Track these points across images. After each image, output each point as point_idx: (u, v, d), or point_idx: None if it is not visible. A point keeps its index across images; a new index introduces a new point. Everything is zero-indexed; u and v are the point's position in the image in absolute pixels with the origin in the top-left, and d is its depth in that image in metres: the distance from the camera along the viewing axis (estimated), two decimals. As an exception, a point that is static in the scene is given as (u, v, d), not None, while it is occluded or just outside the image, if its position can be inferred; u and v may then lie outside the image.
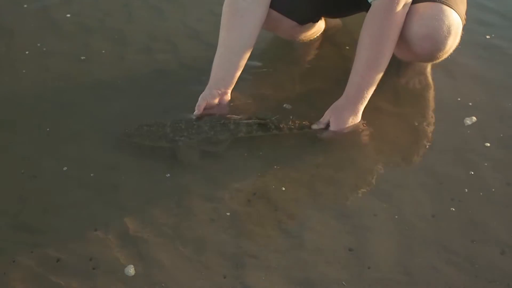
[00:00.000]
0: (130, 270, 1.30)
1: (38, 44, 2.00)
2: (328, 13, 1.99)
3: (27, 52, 1.96)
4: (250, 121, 1.62)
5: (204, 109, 1.64)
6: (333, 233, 1.40)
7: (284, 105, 1.69)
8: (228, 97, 1.69)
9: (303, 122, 1.66)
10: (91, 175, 1.53)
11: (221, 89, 1.67)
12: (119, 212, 1.43)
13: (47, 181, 1.51)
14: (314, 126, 1.64)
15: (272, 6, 1.74)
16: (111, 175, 1.53)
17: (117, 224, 1.40)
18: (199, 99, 1.65)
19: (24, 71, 1.88)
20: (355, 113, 1.62)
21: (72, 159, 1.57)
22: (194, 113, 1.63)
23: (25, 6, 2.20)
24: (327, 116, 1.64)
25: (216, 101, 1.67)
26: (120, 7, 2.23)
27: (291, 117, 1.67)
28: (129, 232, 1.38)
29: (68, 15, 2.16)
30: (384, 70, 1.60)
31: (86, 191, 1.49)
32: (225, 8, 1.70)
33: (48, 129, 1.66)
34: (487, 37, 2.07)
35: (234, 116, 1.63)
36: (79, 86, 1.83)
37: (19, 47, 1.99)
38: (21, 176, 1.52)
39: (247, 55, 1.69)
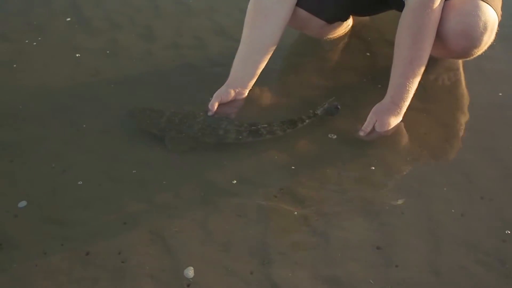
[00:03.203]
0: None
1: (68, 40, 2.03)
2: (356, 12, 1.98)
3: (57, 48, 2.00)
4: (241, 128, 1.59)
5: (218, 106, 1.64)
6: (360, 231, 1.39)
7: (317, 111, 1.68)
8: (244, 95, 1.69)
9: (294, 119, 1.62)
10: (120, 169, 1.55)
11: (238, 87, 1.68)
12: (147, 207, 1.44)
13: (76, 175, 1.53)
14: (361, 133, 1.61)
15: (300, 5, 1.73)
16: (139, 169, 1.54)
17: (146, 218, 1.41)
18: (214, 96, 1.66)
19: (55, 66, 1.91)
20: (399, 113, 1.61)
21: (101, 153, 1.59)
22: (208, 113, 1.64)
23: (56, 2, 2.24)
24: (372, 120, 1.61)
25: (231, 98, 1.67)
26: (148, 3, 2.25)
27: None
28: (157, 227, 1.40)
29: (98, 11, 2.19)
30: (425, 67, 1.58)
31: (115, 185, 1.50)
32: (250, 6, 1.70)
33: (77, 124, 1.68)
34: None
35: (228, 120, 1.62)
36: (108, 81, 1.85)
37: (50, 43, 2.02)
38: (52, 170, 1.54)
39: (269, 54, 1.69)
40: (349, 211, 1.44)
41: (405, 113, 1.64)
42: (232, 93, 1.67)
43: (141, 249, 1.35)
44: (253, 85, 1.73)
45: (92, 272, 1.30)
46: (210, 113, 1.64)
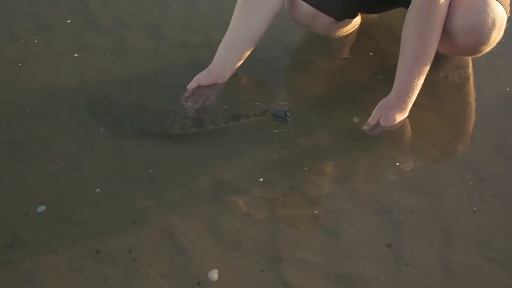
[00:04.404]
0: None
1: (77, 39, 2.03)
2: (365, 9, 1.97)
3: (65, 47, 2.00)
4: (186, 118, 1.62)
5: (196, 88, 1.70)
6: (371, 229, 1.38)
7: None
8: (224, 80, 1.73)
9: (239, 113, 1.62)
10: (129, 168, 1.55)
11: (218, 72, 1.72)
12: (157, 205, 1.44)
13: (86, 173, 1.53)
14: (365, 127, 1.62)
15: (308, 1, 1.73)
16: (149, 168, 1.54)
17: (155, 216, 1.41)
18: (193, 79, 1.71)
19: (63, 65, 1.91)
20: (404, 109, 1.60)
21: (110, 152, 1.59)
22: (185, 94, 1.70)
23: (64, 1, 2.24)
24: (376, 115, 1.61)
25: (210, 82, 1.72)
26: (156, 2, 2.25)
27: (226, 107, 1.67)
28: (167, 225, 1.39)
29: (105, 10, 2.19)
30: (431, 63, 1.57)
31: (125, 184, 1.50)
32: None
33: (86, 123, 1.68)
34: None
35: (177, 111, 1.65)
36: (116, 80, 1.85)
37: (58, 42, 2.02)
38: (61, 168, 1.54)
39: (254, 44, 1.73)
40: (359, 209, 1.43)
41: (414, 110, 1.63)
42: (212, 77, 1.72)
43: (152, 248, 1.34)
44: (263, 84, 1.73)
45: (103, 270, 1.30)
46: (186, 94, 1.70)
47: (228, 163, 1.56)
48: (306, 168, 1.54)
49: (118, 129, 1.63)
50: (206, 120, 1.61)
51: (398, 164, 1.56)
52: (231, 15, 2.11)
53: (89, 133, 1.65)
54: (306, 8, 1.75)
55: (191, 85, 1.71)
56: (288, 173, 1.53)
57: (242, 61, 1.74)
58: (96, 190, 1.48)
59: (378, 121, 1.61)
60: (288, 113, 1.60)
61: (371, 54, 1.98)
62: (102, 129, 1.64)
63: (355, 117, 1.67)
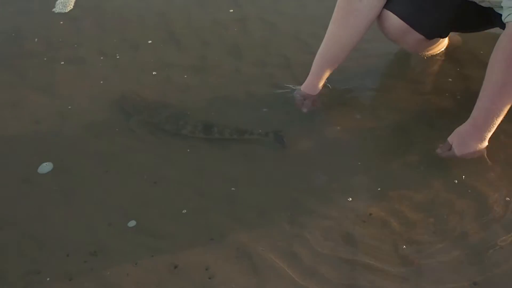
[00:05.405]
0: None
1: (160, 56, 2.10)
2: (460, 28, 1.90)
3: (149, 64, 2.07)
4: (198, 123, 1.72)
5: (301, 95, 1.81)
6: (455, 264, 1.32)
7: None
8: (317, 92, 1.80)
9: (245, 129, 1.71)
10: (208, 184, 1.57)
11: (321, 80, 1.79)
12: (234, 223, 1.45)
13: (166, 187, 1.57)
14: (438, 151, 1.59)
15: (401, 17, 1.69)
16: (227, 186, 1.56)
17: (232, 235, 1.42)
18: (297, 91, 1.82)
19: (147, 81, 1.98)
20: (481, 139, 1.53)
21: (190, 168, 1.63)
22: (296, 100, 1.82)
23: (149, 20, 2.32)
24: (450, 141, 1.57)
25: (308, 91, 1.80)
26: (236, 21, 2.29)
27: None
28: (244, 244, 1.40)
29: (187, 29, 2.25)
30: None
31: (203, 200, 1.53)
32: (340, 4, 1.72)
33: (168, 137, 1.73)
34: None
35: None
36: (197, 96, 1.89)
37: (143, 59, 2.10)
38: (144, 181, 1.59)
39: (349, 53, 1.77)
40: (443, 242, 1.38)
41: (501, 140, 1.56)
42: (310, 85, 1.79)
43: (228, 266, 1.35)
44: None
45: (180, 285, 1.32)
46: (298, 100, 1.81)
47: (306, 186, 1.55)
48: (385, 195, 1.51)
49: (132, 120, 1.77)
50: (214, 129, 1.70)
51: (484, 196, 1.49)
52: (310, 36, 2.16)
53: (171, 148, 1.69)
54: (398, 23, 1.71)
55: (297, 102, 1.81)
56: (367, 199, 1.50)
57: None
58: (175, 205, 1.51)
59: (451, 147, 1.56)
60: (284, 139, 1.70)
61: (454, 78, 1.91)
62: (188, 150, 1.68)
63: (437, 144, 1.62)
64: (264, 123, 1.74)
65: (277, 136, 1.70)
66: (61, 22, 2.30)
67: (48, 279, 1.34)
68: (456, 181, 1.54)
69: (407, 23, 1.71)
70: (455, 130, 1.58)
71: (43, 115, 1.83)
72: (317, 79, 1.79)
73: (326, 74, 1.79)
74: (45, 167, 1.63)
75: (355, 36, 1.72)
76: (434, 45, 1.93)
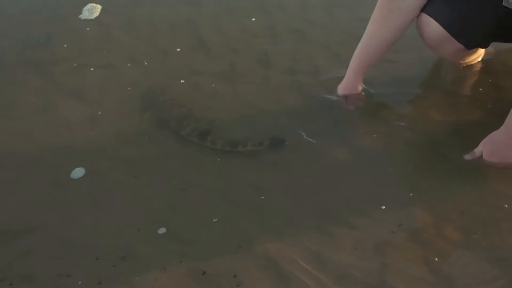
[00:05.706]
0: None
1: (188, 64, 2.12)
2: (501, 39, 1.86)
3: (178, 71, 2.09)
4: (197, 128, 1.75)
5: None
6: (487, 277, 1.30)
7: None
8: (358, 90, 1.83)
9: (238, 141, 1.70)
10: (236, 191, 1.57)
11: (360, 77, 1.81)
12: (262, 231, 1.45)
13: (194, 194, 1.58)
14: (467, 157, 1.57)
15: (443, 24, 1.65)
16: (256, 194, 1.56)
17: (260, 242, 1.42)
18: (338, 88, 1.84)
19: (177, 87, 2.00)
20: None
21: (218, 174, 1.63)
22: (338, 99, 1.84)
23: (178, 28, 2.35)
24: (480, 147, 1.56)
25: (347, 91, 1.82)
26: (265, 29, 2.29)
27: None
28: (272, 252, 1.40)
29: (217, 37, 2.27)
30: None
31: (231, 207, 1.53)
32: (382, 2, 1.69)
33: (197, 144, 1.74)
34: None
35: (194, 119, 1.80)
36: (226, 104, 1.90)
37: (172, 65, 2.12)
38: (172, 187, 1.60)
39: (387, 52, 1.78)
40: (473, 254, 1.36)
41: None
42: (359, 81, 1.81)
43: (256, 274, 1.35)
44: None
45: (208, 292, 1.32)
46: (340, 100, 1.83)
47: (335, 195, 1.54)
48: (416, 206, 1.49)
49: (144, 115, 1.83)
50: (208, 138, 1.72)
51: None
52: (339, 44, 2.15)
53: (199, 155, 1.70)
54: (438, 30, 1.66)
55: (341, 101, 1.84)
56: (397, 210, 1.48)
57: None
58: (204, 211, 1.52)
59: (481, 154, 1.55)
60: (284, 140, 1.72)
61: (486, 88, 1.88)
62: (218, 159, 1.69)
63: (467, 155, 1.59)
64: (292, 131, 1.74)
65: (274, 141, 1.70)
66: (88, 29, 2.33)
67: (79, 282, 1.36)
68: (490, 192, 1.51)
69: (448, 31, 1.66)
70: (486, 138, 1.56)
71: (74, 120, 1.86)
72: (356, 77, 1.80)
73: (364, 72, 1.80)
74: (78, 172, 1.66)
75: (396, 34, 1.71)
76: (472, 56, 1.90)
